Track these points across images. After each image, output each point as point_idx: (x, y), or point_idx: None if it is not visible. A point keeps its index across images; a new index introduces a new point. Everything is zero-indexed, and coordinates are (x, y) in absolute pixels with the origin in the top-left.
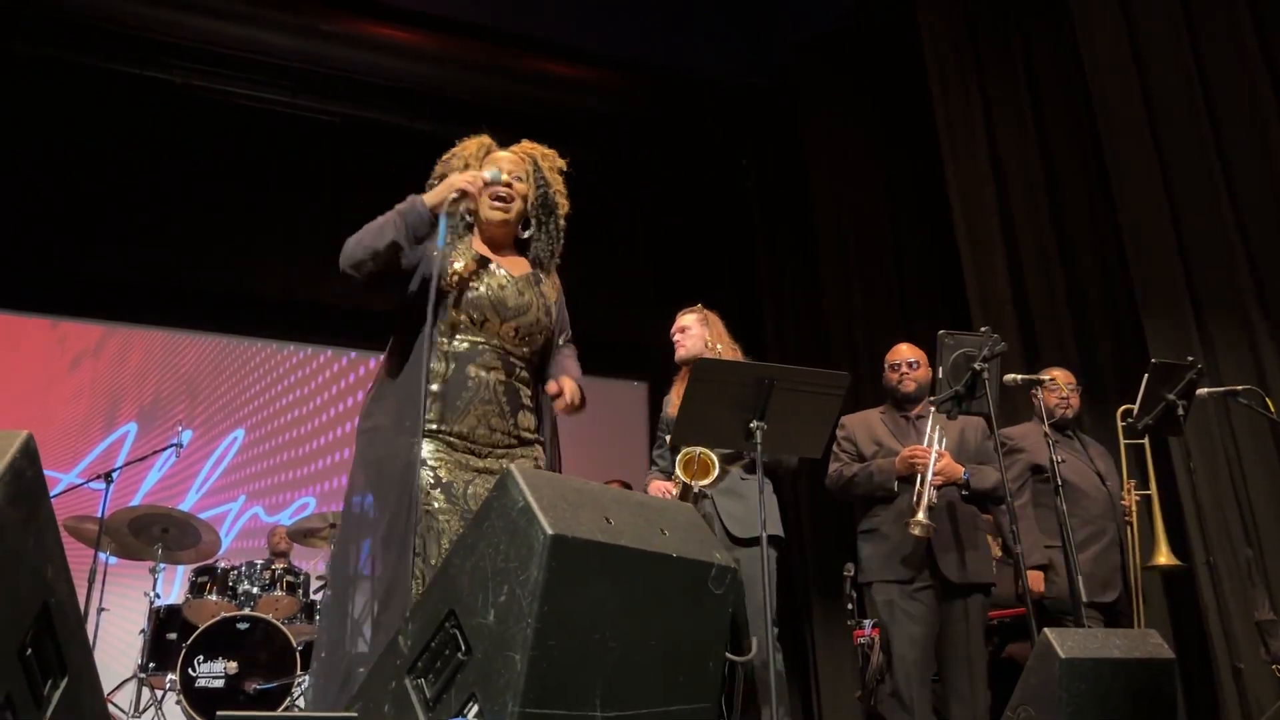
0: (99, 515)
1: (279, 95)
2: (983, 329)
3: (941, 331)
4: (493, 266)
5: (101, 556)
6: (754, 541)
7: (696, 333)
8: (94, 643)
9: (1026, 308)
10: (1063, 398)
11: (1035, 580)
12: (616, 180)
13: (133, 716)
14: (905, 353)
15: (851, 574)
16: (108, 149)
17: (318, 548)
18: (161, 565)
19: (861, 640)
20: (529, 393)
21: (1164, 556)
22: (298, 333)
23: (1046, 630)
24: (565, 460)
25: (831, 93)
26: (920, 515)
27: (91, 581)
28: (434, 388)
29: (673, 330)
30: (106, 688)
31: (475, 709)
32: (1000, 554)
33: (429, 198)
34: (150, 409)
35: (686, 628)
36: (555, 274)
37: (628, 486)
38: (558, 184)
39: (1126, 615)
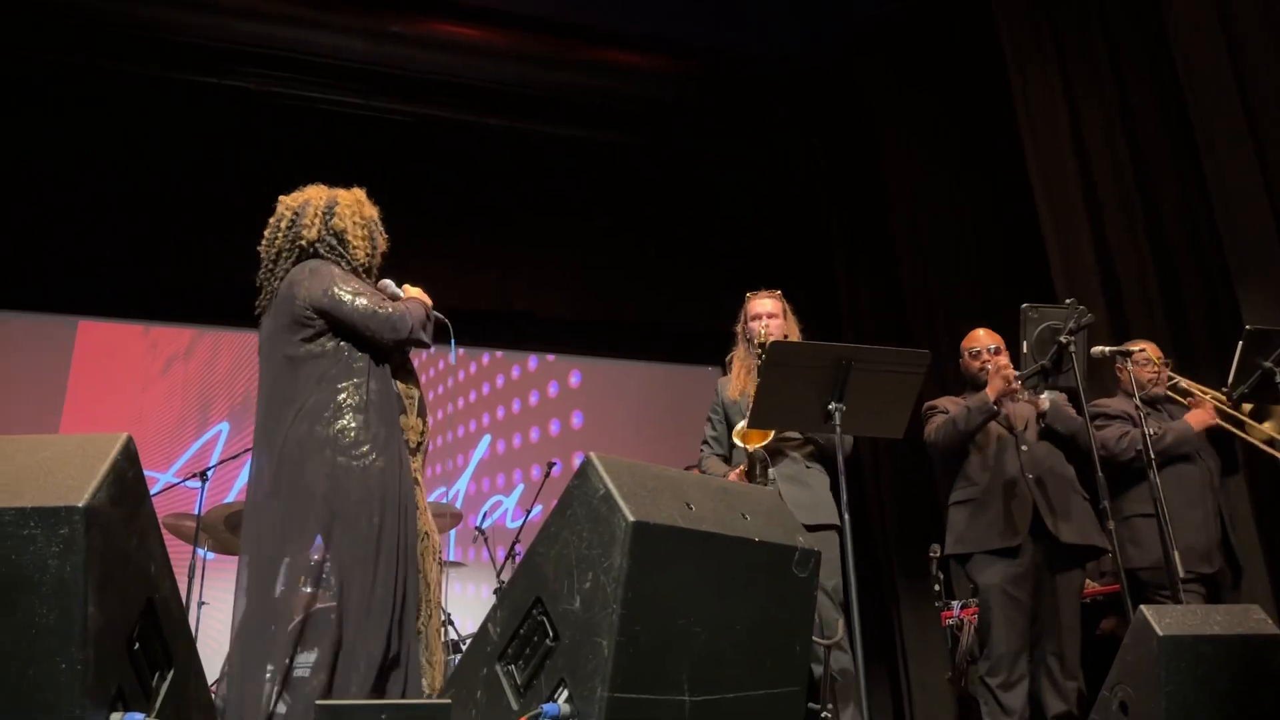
0: (196, 512)
1: (353, 97)
2: (1068, 301)
3: (1025, 305)
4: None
5: (200, 552)
6: (819, 529)
7: (780, 322)
8: (196, 635)
9: (1113, 278)
10: (1156, 372)
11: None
12: (684, 167)
13: None
14: (984, 338)
15: (938, 554)
16: (189, 158)
17: None
18: None
19: (950, 621)
20: None
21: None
22: None
23: (1143, 607)
24: (643, 448)
25: (900, 68)
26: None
27: (191, 577)
28: (413, 403)
29: (755, 312)
30: (209, 679)
31: (565, 694)
32: None
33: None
34: (240, 408)
35: (771, 611)
36: None
37: None
38: None
39: (1227, 589)
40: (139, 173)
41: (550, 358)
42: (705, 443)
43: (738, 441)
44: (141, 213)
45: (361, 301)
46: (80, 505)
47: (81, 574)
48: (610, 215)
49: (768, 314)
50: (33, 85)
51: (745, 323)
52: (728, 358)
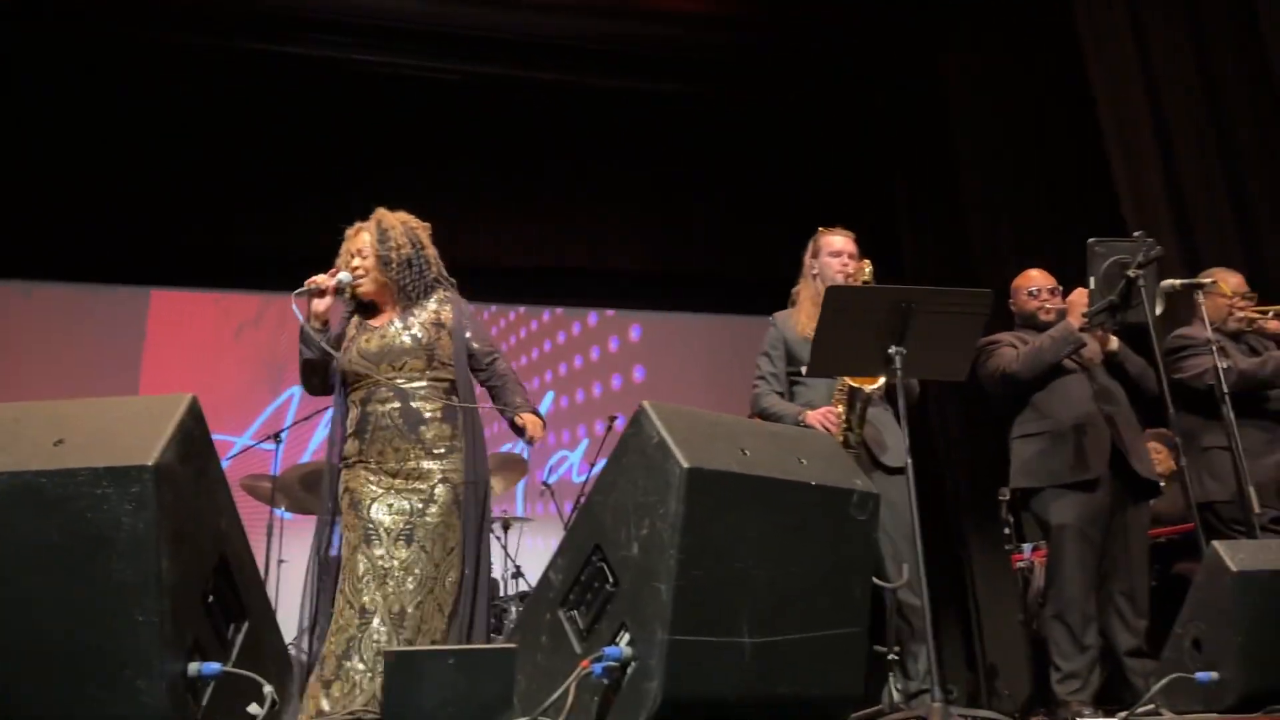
0: (272, 473)
1: (407, 59)
2: (1136, 234)
3: (1091, 239)
4: (366, 329)
5: (277, 512)
6: (901, 470)
7: (857, 263)
8: (276, 592)
9: (1183, 207)
10: (1234, 305)
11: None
12: (739, 118)
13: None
14: (1040, 279)
15: (1008, 497)
16: (272, 130)
17: None
18: None
19: (1021, 564)
20: (432, 408)
21: None
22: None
23: (1215, 544)
24: (704, 400)
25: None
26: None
27: (270, 535)
28: (350, 429)
29: (835, 249)
30: (288, 634)
31: (627, 637)
32: (1174, 467)
33: (304, 323)
34: None
35: (830, 554)
36: (443, 302)
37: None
38: (396, 238)
39: None
40: (206, 142)
41: (610, 313)
42: (763, 379)
43: (850, 381)
44: (209, 182)
45: None
46: (150, 464)
47: (154, 530)
48: (665, 167)
49: (849, 253)
50: (100, 57)
51: (819, 257)
52: (794, 290)
